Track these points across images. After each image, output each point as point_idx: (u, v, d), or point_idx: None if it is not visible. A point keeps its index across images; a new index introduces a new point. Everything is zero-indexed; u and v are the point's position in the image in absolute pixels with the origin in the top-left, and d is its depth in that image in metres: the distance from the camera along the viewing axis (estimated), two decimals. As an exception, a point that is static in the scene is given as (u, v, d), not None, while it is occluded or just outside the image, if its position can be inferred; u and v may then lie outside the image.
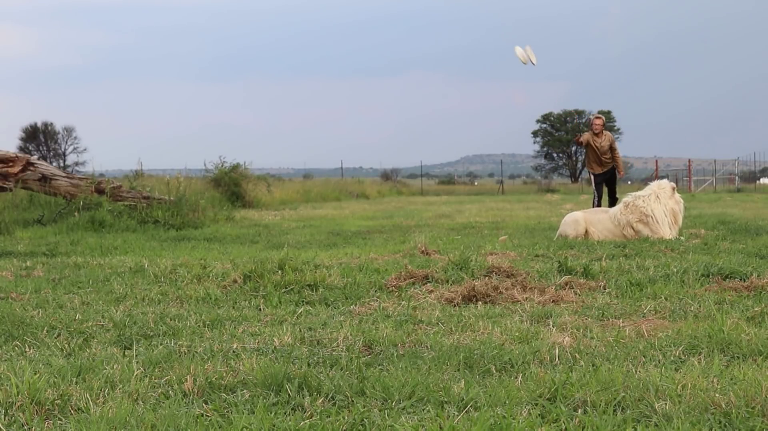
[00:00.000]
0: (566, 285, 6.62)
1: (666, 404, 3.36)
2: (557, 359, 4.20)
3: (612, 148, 14.49)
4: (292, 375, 3.74)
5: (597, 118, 14.63)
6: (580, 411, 3.35)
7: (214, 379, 3.74)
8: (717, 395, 3.42)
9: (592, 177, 14.67)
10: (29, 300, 6.19)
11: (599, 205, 14.47)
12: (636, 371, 3.90)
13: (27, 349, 4.54)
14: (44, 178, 15.27)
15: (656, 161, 60.04)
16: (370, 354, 4.38)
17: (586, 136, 14.58)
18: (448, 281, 6.95)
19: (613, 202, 14.62)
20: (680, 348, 4.38)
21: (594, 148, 14.41)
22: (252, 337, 4.83)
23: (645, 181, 55.56)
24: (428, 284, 6.86)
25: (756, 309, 5.42)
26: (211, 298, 6.29)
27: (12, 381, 3.53)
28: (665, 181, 11.83)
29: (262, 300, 6.15)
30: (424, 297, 6.27)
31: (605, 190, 14.85)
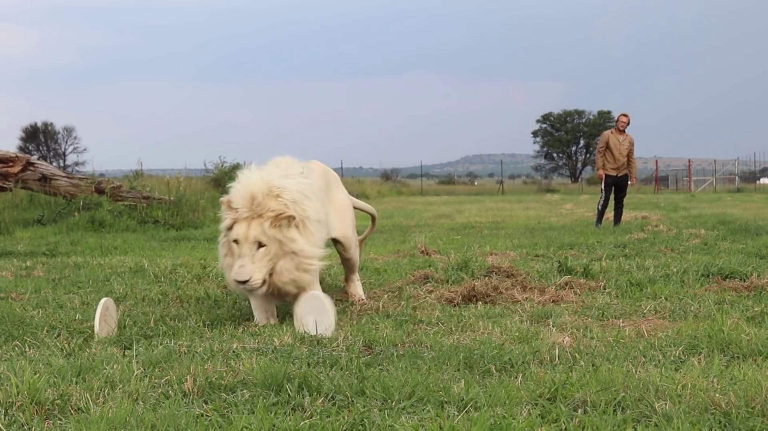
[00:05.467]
0: (566, 285, 6.63)
1: (666, 404, 3.36)
2: (557, 359, 4.20)
3: (629, 152, 14.16)
4: (292, 375, 3.73)
5: (624, 115, 14.31)
6: (580, 411, 3.35)
7: (214, 379, 3.74)
8: (717, 395, 3.41)
9: (603, 177, 14.22)
10: (29, 300, 6.19)
11: (605, 208, 14.28)
12: (636, 371, 3.89)
13: (27, 349, 4.54)
14: (44, 178, 15.27)
15: (656, 161, 60.05)
16: (370, 354, 4.38)
17: (606, 134, 14.40)
18: (448, 281, 6.95)
19: (619, 208, 14.44)
20: (680, 348, 4.38)
21: (612, 146, 14.07)
22: (252, 337, 4.83)
23: (645, 182, 55.58)
24: (428, 284, 6.86)
25: (756, 309, 5.42)
26: (211, 298, 6.29)
27: (12, 381, 3.53)
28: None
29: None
30: (424, 297, 6.27)
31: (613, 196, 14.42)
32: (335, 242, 6.22)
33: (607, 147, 14.18)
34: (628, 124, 14.30)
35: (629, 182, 14.51)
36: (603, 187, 14.29)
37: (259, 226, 5.07)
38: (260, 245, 5.07)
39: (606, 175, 14.19)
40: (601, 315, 5.50)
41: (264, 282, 5.10)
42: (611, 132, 14.35)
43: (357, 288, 6.49)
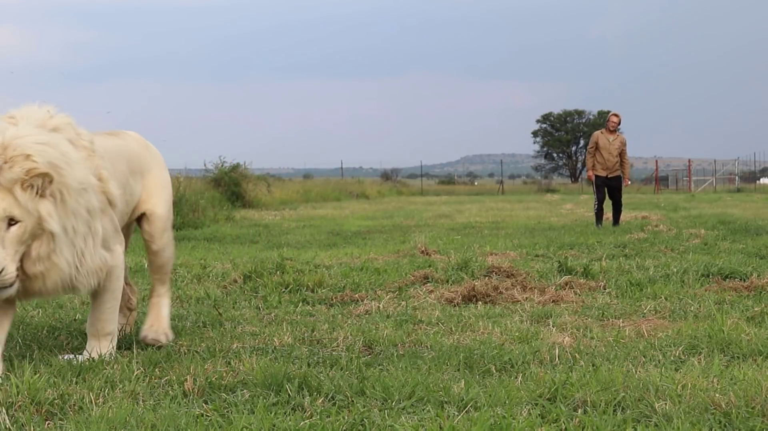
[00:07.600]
0: (566, 285, 6.63)
1: (666, 404, 3.36)
2: (557, 359, 4.20)
3: (621, 152, 13.99)
4: (292, 375, 3.73)
5: (614, 115, 14.12)
6: (580, 411, 3.35)
7: (214, 379, 3.74)
8: (717, 395, 3.42)
9: (594, 179, 14.03)
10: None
11: (600, 211, 14.21)
12: (636, 371, 3.90)
13: (27, 349, 4.53)
14: (44, 178, 15.25)
15: (656, 161, 60.06)
16: (370, 354, 4.38)
17: (596, 135, 14.30)
18: (448, 281, 6.95)
19: (617, 209, 14.36)
20: (680, 348, 4.39)
21: (602, 146, 13.90)
22: (252, 337, 4.83)
23: (645, 181, 55.60)
24: (428, 284, 6.86)
25: (756, 309, 5.42)
26: (210, 298, 6.29)
27: (12, 381, 3.53)
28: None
29: (261, 300, 6.16)
30: (424, 297, 6.27)
31: (608, 197, 14.24)
32: (141, 222, 4.82)
33: (597, 147, 14.04)
34: (619, 123, 14.19)
35: (623, 182, 14.43)
36: (594, 189, 14.17)
37: (8, 195, 3.67)
38: (11, 222, 3.70)
39: (596, 176, 14.02)
40: (601, 315, 5.50)
41: (17, 276, 3.77)
42: (601, 132, 14.20)
43: (161, 313, 4.71)
